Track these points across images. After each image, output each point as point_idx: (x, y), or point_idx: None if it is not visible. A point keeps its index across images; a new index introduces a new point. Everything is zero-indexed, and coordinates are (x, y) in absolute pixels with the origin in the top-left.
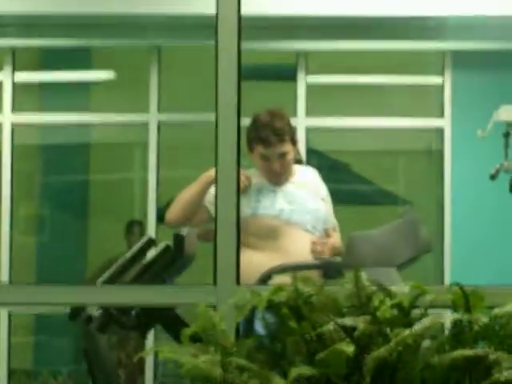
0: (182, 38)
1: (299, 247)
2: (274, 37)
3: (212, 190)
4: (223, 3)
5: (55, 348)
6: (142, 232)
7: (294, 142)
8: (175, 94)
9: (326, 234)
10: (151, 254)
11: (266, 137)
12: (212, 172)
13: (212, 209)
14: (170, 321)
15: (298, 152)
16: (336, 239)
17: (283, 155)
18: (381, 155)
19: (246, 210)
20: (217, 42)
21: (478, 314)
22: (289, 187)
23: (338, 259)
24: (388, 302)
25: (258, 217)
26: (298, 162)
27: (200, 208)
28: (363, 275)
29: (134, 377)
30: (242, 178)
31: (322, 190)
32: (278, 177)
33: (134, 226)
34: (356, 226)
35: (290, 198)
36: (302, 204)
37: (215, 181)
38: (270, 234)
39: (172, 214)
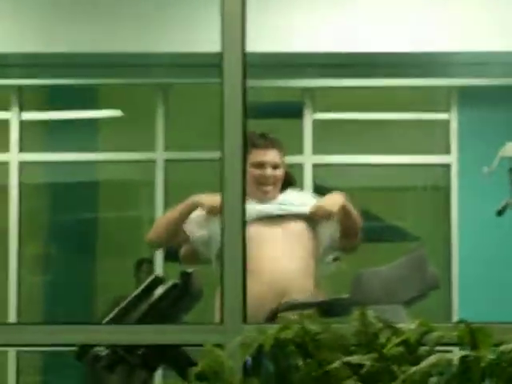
0: (188, 77)
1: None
2: (280, 74)
3: (193, 216)
4: (228, 41)
5: None
6: (151, 270)
7: (284, 165)
8: (181, 132)
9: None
10: (159, 292)
11: (262, 142)
12: (198, 197)
13: (192, 233)
14: (176, 359)
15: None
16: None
17: (276, 167)
18: (388, 192)
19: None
20: (222, 79)
21: (485, 350)
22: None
23: (346, 296)
24: (395, 340)
25: None
26: (289, 179)
27: (181, 231)
28: (370, 313)
29: None
30: None
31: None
32: (268, 186)
33: (144, 264)
34: (364, 262)
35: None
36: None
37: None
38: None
39: (154, 232)
